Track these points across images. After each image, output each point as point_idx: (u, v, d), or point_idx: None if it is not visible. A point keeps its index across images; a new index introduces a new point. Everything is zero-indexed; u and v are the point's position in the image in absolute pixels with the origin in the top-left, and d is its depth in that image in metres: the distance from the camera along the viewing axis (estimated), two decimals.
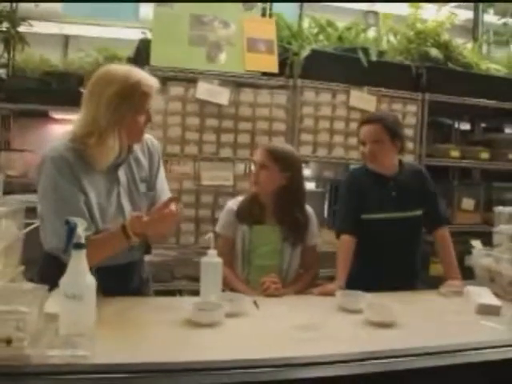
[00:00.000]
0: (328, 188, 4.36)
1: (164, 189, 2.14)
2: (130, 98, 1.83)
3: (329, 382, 1.38)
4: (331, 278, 2.85)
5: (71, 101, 4.65)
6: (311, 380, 1.38)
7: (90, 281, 1.47)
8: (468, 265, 3.36)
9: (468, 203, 3.85)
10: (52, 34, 6.66)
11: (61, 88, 5.08)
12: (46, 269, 1.88)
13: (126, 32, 5.20)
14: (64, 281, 1.45)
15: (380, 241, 2.38)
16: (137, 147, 2.03)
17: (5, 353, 1.24)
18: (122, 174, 1.97)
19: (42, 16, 5.62)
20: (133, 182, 2.00)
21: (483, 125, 4.67)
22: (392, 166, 2.47)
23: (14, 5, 5.44)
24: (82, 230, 1.46)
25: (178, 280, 3.57)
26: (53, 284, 1.49)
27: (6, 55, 5.55)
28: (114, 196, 1.94)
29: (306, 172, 4.69)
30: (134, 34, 4.29)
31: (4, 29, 5.47)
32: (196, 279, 3.46)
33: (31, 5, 5.57)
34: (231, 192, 3.33)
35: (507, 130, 4.76)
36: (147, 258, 3.32)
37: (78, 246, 1.45)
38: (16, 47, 5.55)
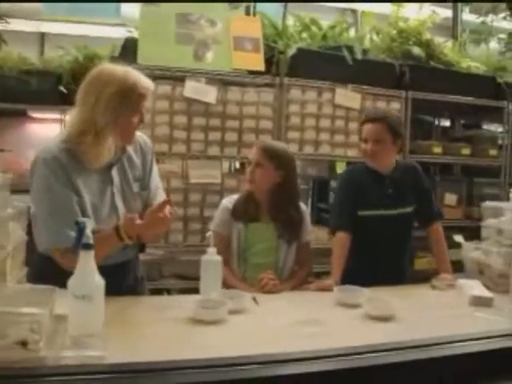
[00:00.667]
0: (311, 185, 4.41)
1: (158, 187, 2.15)
2: (127, 99, 1.84)
3: (335, 376, 1.41)
4: (318, 275, 2.91)
5: (50, 100, 4.62)
6: (318, 374, 1.40)
7: (99, 281, 1.48)
8: (453, 259, 3.45)
9: (450, 198, 3.94)
10: (28, 32, 6.56)
11: (39, 87, 5.00)
12: (40, 270, 1.86)
13: (106, 30, 5.14)
14: (73, 281, 1.45)
15: (374, 237, 2.42)
16: (130, 147, 2.03)
17: (21, 355, 1.24)
18: (115, 174, 1.97)
19: (19, 14, 5.54)
20: (126, 182, 2.01)
21: (462, 121, 4.77)
22: (390, 164, 2.51)
23: None
24: (90, 231, 1.46)
25: (166, 278, 3.57)
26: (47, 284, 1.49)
27: None
28: (108, 196, 1.94)
29: None
30: (116, 32, 4.27)
31: None
32: (184, 277, 3.52)
33: (8, 3, 5.48)
34: (219, 190, 3.36)
35: (485, 127, 4.87)
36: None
37: (87, 247, 1.46)
38: None
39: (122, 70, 1.88)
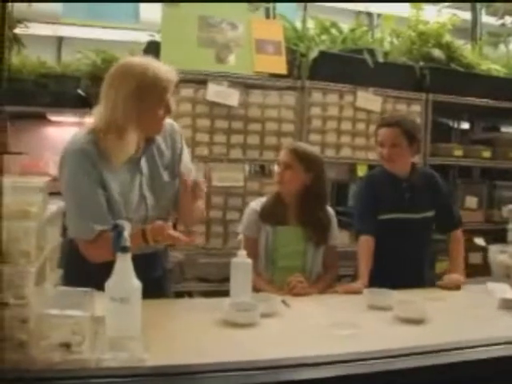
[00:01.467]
0: (331, 188, 4.40)
1: (190, 170, 2.13)
2: (147, 95, 1.81)
3: (378, 378, 1.42)
4: (339, 278, 2.90)
5: (69, 103, 4.65)
6: (360, 376, 1.41)
7: (136, 284, 1.48)
8: (474, 262, 3.44)
9: (471, 201, 3.92)
10: (45, 36, 6.61)
11: (58, 90, 5.05)
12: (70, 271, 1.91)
13: (125, 34, 5.18)
14: (110, 284, 1.46)
15: (393, 241, 2.42)
16: (158, 136, 2.02)
17: (63, 357, 1.25)
18: (144, 163, 1.96)
19: (37, 17, 5.58)
20: (156, 171, 2.00)
21: (482, 124, 4.75)
22: (406, 168, 2.53)
23: (10, 6, 5.39)
24: (128, 233, 1.47)
25: (188, 281, 3.58)
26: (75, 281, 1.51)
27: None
28: (137, 186, 1.94)
29: None
30: (134, 36, 4.30)
31: None
32: (206, 280, 3.52)
33: (27, 6, 5.53)
34: (241, 193, 3.36)
35: (503, 129, 4.84)
36: None
37: (124, 250, 1.47)
38: (12, 49, 5.50)
39: (140, 65, 1.83)
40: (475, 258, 3.70)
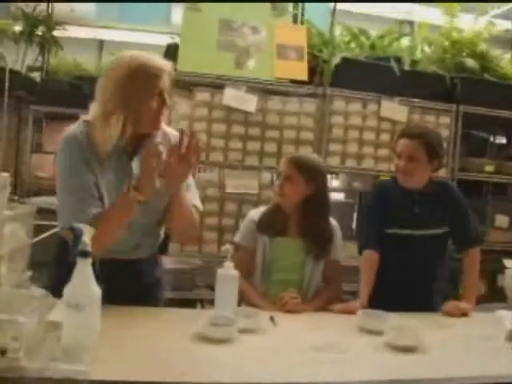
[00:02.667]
0: (357, 199, 4.27)
1: (189, 185, 2.00)
2: (135, 81, 1.75)
3: None
4: (355, 293, 2.75)
5: None
6: None
7: (95, 291, 1.41)
8: (501, 285, 3.21)
9: (502, 220, 3.69)
10: (88, 39, 6.75)
11: (92, 92, 5.10)
12: (55, 269, 1.89)
13: (158, 37, 5.20)
14: (67, 289, 1.39)
15: (401, 257, 2.26)
16: (159, 140, 1.91)
17: (0, 364, 1.18)
18: (135, 166, 1.88)
19: (76, 21, 5.69)
20: None
21: None
22: (422, 183, 2.35)
23: (50, 9, 5.52)
24: (88, 238, 1.40)
25: (199, 289, 3.51)
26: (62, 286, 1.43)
27: (40, 59, 5.63)
28: (123, 189, 1.83)
29: (335, 183, 4.61)
30: (165, 40, 4.28)
31: (40, 33, 5.54)
32: None
33: (66, 10, 5.64)
34: (256, 201, 3.26)
35: None
36: (168, 265, 3.30)
37: (84, 254, 1.39)
38: (51, 51, 5.63)
39: (131, 53, 1.83)
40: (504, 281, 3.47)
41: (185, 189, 1.93)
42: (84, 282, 1.40)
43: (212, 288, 3.47)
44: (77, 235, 1.40)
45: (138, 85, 1.76)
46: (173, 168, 1.74)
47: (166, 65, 1.83)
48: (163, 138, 1.94)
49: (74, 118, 5.44)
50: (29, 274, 1.55)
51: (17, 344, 1.20)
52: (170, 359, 1.47)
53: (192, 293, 3.47)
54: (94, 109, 1.82)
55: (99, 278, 1.60)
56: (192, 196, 1.99)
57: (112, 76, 1.78)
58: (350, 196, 4.41)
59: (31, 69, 5.59)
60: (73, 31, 5.46)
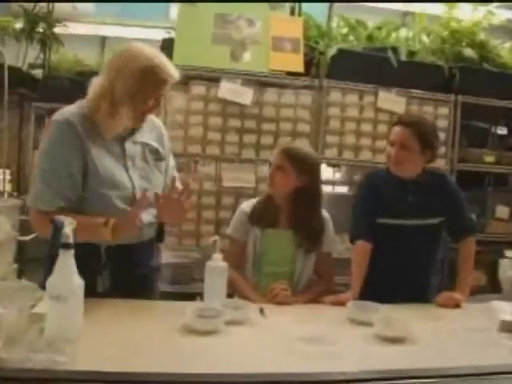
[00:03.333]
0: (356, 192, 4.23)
1: (171, 165, 2.14)
2: (148, 78, 1.82)
3: None
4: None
5: None
6: None
7: (77, 282, 1.41)
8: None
9: (502, 211, 3.65)
10: (88, 35, 6.74)
11: None
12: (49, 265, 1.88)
13: (157, 32, 5.18)
14: (50, 281, 1.39)
15: (393, 248, 2.23)
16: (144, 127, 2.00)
17: None
18: (129, 146, 1.95)
19: (76, 17, 5.69)
20: (141, 154, 1.98)
21: None
22: (414, 172, 2.32)
23: (51, 6, 5.52)
24: (69, 230, 1.40)
25: (198, 282, 3.50)
26: None
27: (41, 56, 5.63)
28: (122, 165, 1.92)
29: (336, 175, 4.59)
30: (163, 35, 4.27)
31: (40, 30, 5.55)
32: None
33: (67, 6, 5.64)
34: (252, 194, 3.23)
35: None
36: (166, 259, 3.30)
37: (66, 246, 1.39)
38: (52, 48, 5.63)
39: (152, 50, 1.88)
40: None
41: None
42: (66, 273, 1.40)
43: None
44: (57, 227, 1.40)
45: (149, 83, 1.83)
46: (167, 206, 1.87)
47: (176, 73, 1.90)
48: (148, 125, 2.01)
49: None
50: (15, 266, 1.54)
51: None
52: (155, 350, 1.47)
53: (190, 286, 3.46)
54: (97, 89, 1.83)
55: (105, 265, 1.86)
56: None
57: (129, 66, 1.81)
58: (352, 189, 4.38)
59: (32, 66, 5.60)
60: (73, 28, 5.45)
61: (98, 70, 4.92)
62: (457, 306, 2.13)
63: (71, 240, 1.40)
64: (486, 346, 1.71)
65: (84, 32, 6.19)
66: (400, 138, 2.25)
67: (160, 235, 2.11)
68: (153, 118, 2.06)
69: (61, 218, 1.42)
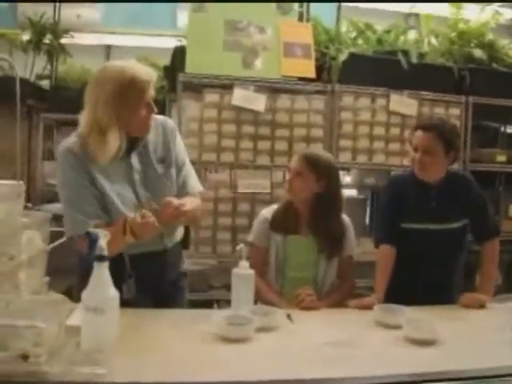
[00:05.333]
0: (369, 195, 4.25)
1: (184, 163, 2.13)
2: (126, 95, 1.84)
3: None
4: (370, 289, 2.74)
5: None
6: None
7: (113, 294, 1.43)
8: None
9: None
10: (95, 45, 6.77)
11: None
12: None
13: (165, 40, 5.21)
14: (85, 293, 1.41)
15: (417, 252, 2.24)
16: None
17: (21, 369, 1.20)
18: (135, 160, 1.97)
19: (83, 27, 5.72)
20: (149, 166, 2.00)
21: None
22: (439, 176, 2.31)
23: (57, 17, 5.55)
24: (104, 242, 1.42)
25: (215, 289, 3.52)
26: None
27: (49, 67, 5.66)
28: (129, 183, 1.95)
29: (347, 179, 4.60)
30: (171, 43, 4.29)
31: (47, 41, 5.58)
32: None
33: (73, 17, 5.67)
34: (268, 200, 3.25)
35: None
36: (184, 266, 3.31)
37: (100, 259, 1.41)
38: (59, 59, 5.66)
39: (119, 66, 1.87)
40: None
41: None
42: (101, 285, 1.41)
43: (228, 288, 3.49)
44: (93, 240, 1.41)
45: (129, 99, 1.85)
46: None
47: (152, 75, 1.91)
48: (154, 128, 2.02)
49: None
50: (47, 279, 1.56)
51: (38, 349, 1.21)
52: (187, 360, 1.49)
53: (208, 294, 3.48)
54: (84, 120, 1.87)
55: (131, 275, 1.91)
56: (193, 184, 2.12)
57: (102, 89, 1.82)
58: (362, 192, 4.39)
59: (40, 77, 5.63)
60: (80, 38, 5.48)
61: None
62: (481, 306, 2.13)
63: (106, 252, 1.42)
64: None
65: (90, 42, 6.22)
66: (423, 143, 2.23)
67: (185, 240, 2.14)
68: (156, 118, 2.04)
69: (96, 230, 1.44)
